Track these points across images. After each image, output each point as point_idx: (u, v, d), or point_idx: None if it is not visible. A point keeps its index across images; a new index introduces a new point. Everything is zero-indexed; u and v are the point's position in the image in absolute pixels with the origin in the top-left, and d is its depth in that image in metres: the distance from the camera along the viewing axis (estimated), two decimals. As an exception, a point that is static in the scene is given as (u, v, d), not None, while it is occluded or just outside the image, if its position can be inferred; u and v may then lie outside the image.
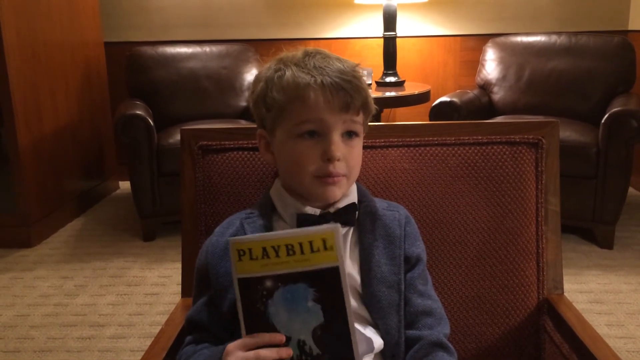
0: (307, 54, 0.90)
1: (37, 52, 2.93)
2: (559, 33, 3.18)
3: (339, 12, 3.66)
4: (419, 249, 0.96)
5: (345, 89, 0.86)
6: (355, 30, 3.69)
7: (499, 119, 2.95)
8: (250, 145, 1.10)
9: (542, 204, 1.11)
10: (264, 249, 0.75)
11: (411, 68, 3.69)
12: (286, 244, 0.75)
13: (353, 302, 0.88)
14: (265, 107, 0.91)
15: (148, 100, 3.12)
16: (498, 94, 3.18)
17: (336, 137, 0.88)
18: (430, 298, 0.94)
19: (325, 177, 0.88)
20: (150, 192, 2.82)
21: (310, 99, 0.86)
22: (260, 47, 3.49)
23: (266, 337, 0.76)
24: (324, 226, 0.77)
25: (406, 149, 1.11)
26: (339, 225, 0.77)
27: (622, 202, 2.60)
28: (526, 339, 1.10)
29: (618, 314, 2.13)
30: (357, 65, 0.91)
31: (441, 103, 2.93)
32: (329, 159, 0.87)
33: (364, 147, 0.99)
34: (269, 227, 0.93)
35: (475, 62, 3.44)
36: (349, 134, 0.90)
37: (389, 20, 3.21)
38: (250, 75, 3.33)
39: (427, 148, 1.11)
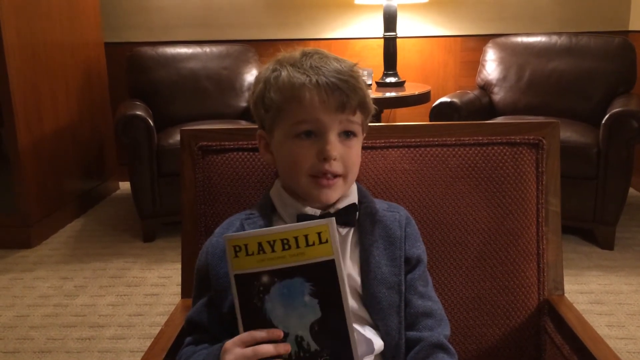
0: (304, 54, 0.90)
1: (37, 52, 2.93)
2: (559, 33, 3.18)
3: (339, 12, 3.66)
4: (420, 250, 0.96)
5: (341, 89, 0.86)
6: (356, 30, 3.69)
7: (499, 120, 2.95)
8: (250, 146, 1.10)
9: (543, 204, 1.11)
10: (260, 244, 0.76)
11: (411, 68, 3.69)
12: (282, 238, 0.76)
13: (353, 303, 0.88)
14: (264, 108, 0.91)
15: (148, 100, 3.12)
16: (498, 95, 3.18)
17: (332, 137, 0.87)
18: (431, 299, 0.94)
19: (321, 178, 0.88)
20: (150, 192, 2.82)
21: (305, 98, 0.86)
22: (261, 47, 3.49)
23: (264, 333, 0.76)
24: (319, 220, 0.77)
25: (406, 149, 1.11)
26: (333, 218, 0.77)
27: (622, 203, 2.59)
28: (527, 340, 1.10)
29: (619, 315, 2.13)
30: (355, 64, 0.91)
31: (441, 103, 2.93)
32: (324, 158, 0.87)
33: (364, 148, 0.99)
34: (269, 228, 0.92)
35: (475, 63, 3.44)
36: (347, 134, 0.90)
37: (389, 20, 3.21)
38: (250, 75, 3.33)
39: (428, 149, 1.11)
